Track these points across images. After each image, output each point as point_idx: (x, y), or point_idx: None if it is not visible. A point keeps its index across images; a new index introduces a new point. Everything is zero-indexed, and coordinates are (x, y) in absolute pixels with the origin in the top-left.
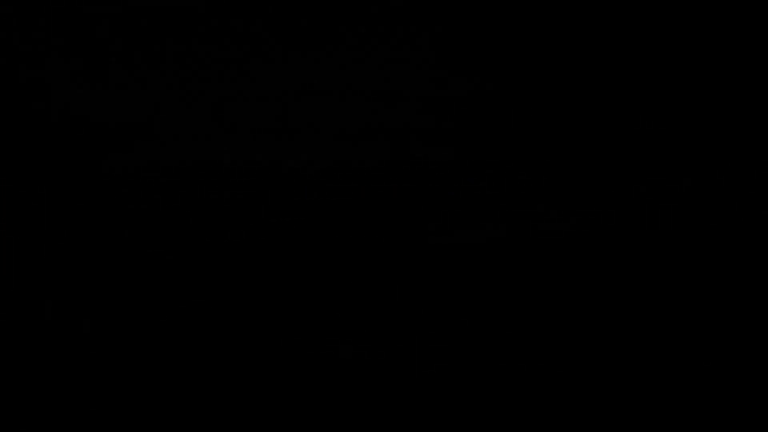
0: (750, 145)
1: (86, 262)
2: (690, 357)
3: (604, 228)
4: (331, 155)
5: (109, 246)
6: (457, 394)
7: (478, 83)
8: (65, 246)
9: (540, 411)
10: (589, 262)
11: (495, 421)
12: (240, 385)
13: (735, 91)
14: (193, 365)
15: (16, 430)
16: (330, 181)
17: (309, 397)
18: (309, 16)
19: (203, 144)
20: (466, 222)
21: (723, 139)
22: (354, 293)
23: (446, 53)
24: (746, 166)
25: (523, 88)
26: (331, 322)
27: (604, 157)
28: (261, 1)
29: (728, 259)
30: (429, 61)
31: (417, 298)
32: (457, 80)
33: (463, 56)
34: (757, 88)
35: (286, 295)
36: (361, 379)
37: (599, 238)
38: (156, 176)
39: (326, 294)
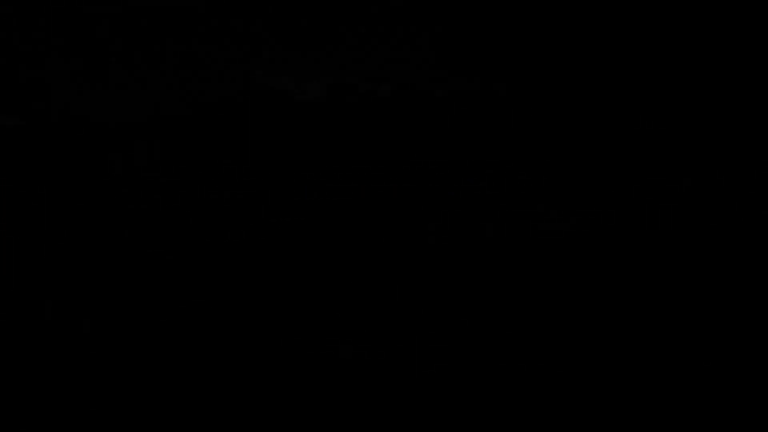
0: (750, 145)
1: (86, 262)
2: (690, 356)
3: (604, 228)
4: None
5: (108, 246)
6: (457, 394)
7: (478, 83)
8: (65, 246)
9: (540, 411)
10: (589, 262)
11: (495, 421)
12: (240, 384)
13: (735, 91)
14: (193, 365)
15: (16, 430)
16: (330, 180)
17: (309, 397)
18: (309, 16)
19: (203, 144)
20: (466, 222)
21: (723, 139)
22: (354, 293)
23: (446, 53)
24: (746, 166)
25: (523, 88)
26: (331, 322)
27: (604, 157)
28: (261, 1)
29: (728, 258)
30: (429, 61)
31: (417, 298)
32: (457, 80)
33: (463, 56)
34: (757, 88)
35: (286, 295)
36: (361, 379)
37: (599, 238)
38: (156, 176)
39: (326, 294)
